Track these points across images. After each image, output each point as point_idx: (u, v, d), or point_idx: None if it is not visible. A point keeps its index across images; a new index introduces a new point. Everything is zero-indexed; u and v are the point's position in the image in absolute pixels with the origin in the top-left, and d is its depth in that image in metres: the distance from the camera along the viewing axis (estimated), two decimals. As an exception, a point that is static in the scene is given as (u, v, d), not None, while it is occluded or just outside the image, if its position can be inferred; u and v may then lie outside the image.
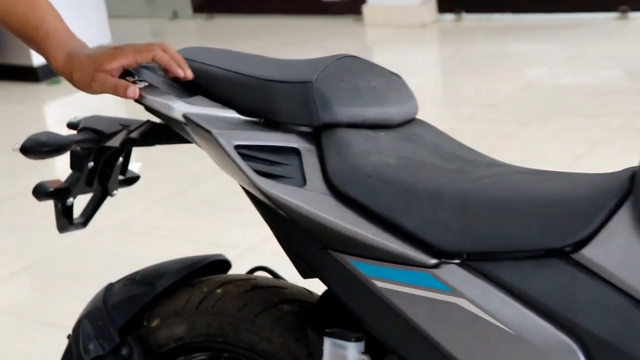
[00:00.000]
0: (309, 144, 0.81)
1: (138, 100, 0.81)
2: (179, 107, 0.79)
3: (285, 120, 0.82)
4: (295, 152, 0.81)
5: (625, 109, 2.67)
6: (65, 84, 1.04)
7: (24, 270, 2.09)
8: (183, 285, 0.96)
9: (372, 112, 0.85)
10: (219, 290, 0.93)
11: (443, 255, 0.72)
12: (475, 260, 0.71)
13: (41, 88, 3.45)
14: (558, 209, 0.70)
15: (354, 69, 0.88)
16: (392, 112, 0.87)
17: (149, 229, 2.16)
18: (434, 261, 0.71)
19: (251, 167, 0.78)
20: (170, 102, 0.79)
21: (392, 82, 0.90)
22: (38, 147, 0.82)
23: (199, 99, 0.83)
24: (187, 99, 0.82)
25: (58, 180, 0.88)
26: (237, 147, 0.78)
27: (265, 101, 0.83)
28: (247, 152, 0.79)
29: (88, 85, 0.85)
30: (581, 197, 0.70)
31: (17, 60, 3.64)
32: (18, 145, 0.81)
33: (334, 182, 0.77)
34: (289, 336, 0.87)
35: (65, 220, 0.89)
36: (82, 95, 0.92)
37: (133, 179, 0.98)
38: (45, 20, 0.87)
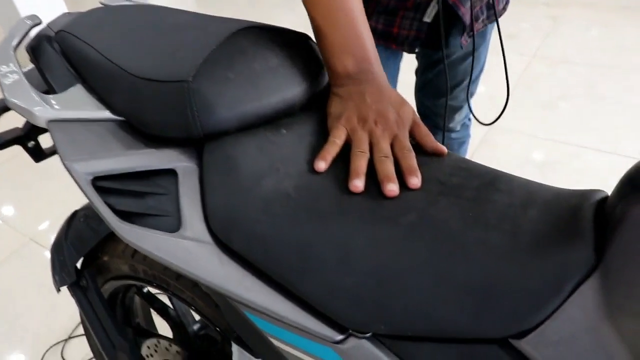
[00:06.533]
0: (189, 161, 0.60)
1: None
2: (42, 115, 0.62)
3: (158, 133, 0.61)
4: (172, 174, 0.60)
5: None
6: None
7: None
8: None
9: (270, 103, 0.62)
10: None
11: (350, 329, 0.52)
12: (390, 338, 0.51)
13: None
14: (499, 288, 0.47)
15: (249, 49, 0.63)
16: (295, 92, 0.64)
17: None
18: (339, 337, 0.52)
19: (113, 205, 0.58)
20: (33, 110, 0.62)
21: (297, 52, 0.65)
22: None
23: (75, 91, 0.66)
24: (59, 95, 0.66)
25: (16, 128, 0.82)
26: (96, 179, 0.59)
27: (135, 108, 0.61)
28: (109, 185, 0.59)
29: None
30: (534, 271, 0.46)
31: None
32: None
33: (214, 227, 0.55)
34: (202, 299, 0.80)
35: (37, 155, 0.86)
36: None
37: None
38: None
